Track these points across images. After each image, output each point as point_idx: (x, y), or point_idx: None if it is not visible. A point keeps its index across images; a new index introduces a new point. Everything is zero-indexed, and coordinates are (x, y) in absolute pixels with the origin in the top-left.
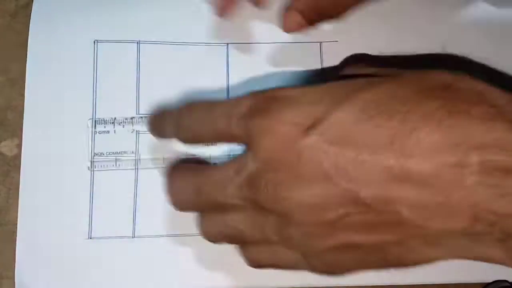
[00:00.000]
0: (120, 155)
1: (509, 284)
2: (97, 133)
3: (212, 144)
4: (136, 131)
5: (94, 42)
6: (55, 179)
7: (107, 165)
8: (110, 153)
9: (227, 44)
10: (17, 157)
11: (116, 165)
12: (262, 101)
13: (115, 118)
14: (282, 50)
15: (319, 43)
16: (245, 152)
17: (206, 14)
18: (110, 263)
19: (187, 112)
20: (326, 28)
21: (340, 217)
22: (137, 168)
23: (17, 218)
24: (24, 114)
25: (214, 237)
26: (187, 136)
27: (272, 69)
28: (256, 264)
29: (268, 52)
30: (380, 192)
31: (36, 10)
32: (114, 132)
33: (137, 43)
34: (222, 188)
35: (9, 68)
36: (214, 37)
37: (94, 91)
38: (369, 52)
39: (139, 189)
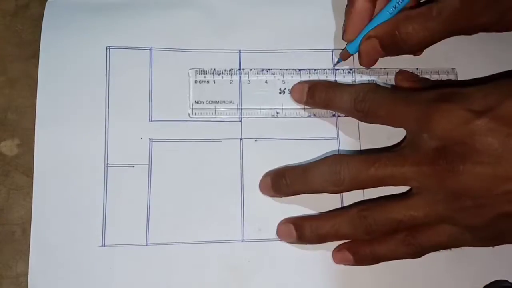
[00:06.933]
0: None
1: (509, 284)
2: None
3: None
4: (149, 139)
5: (107, 48)
6: (68, 186)
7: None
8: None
9: (239, 50)
10: (17, 157)
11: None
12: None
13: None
14: (295, 57)
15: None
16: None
17: (219, 21)
18: (124, 270)
19: None
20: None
21: (509, 191)
22: (151, 176)
23: (17, 218)
24: (36, 121)
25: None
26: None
27: (285, 76)
28: (422, 249)
29: (282, 59)
30: None
31: (48, 16)
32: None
33: (150, 49)
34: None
35: (9, 68)
36: (227, 44)
37: (107, 98)
38: None
39: (152, 196)
